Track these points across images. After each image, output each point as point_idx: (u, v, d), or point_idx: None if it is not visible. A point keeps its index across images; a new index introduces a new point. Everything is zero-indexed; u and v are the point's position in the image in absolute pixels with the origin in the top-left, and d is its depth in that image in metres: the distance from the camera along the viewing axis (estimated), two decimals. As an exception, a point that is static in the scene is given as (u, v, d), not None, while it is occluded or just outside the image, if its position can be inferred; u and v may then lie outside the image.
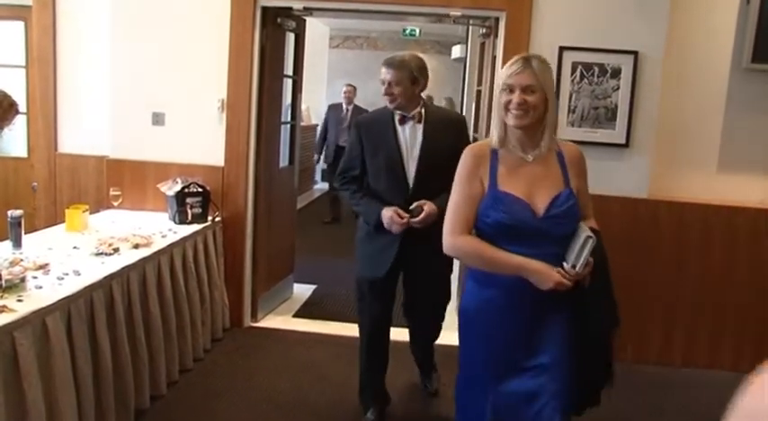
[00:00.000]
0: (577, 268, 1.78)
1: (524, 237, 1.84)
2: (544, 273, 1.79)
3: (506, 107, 1.87)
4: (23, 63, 4.23)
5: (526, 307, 1.87)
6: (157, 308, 2.96)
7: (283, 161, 4.45)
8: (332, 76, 10.45)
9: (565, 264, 1.81)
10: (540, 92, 1.85)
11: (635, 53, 3.53)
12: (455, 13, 3.64)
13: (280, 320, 4.15)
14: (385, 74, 2.67)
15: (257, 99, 3.83)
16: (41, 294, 2.26)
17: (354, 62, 10.56)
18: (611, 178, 3.54)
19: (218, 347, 3.64)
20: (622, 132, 3.59)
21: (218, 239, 3.74)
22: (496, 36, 3.66)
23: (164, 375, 3.03)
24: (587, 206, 2.00)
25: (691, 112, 3.74)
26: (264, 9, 3.75)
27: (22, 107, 3.33)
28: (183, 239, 3.31)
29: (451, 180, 2.71)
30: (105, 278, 2.55)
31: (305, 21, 4.38)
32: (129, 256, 2.84)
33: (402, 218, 2.62)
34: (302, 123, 5.69)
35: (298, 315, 4.28)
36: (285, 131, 4.45)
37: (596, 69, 3.56)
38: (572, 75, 3.55)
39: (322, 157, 7.41)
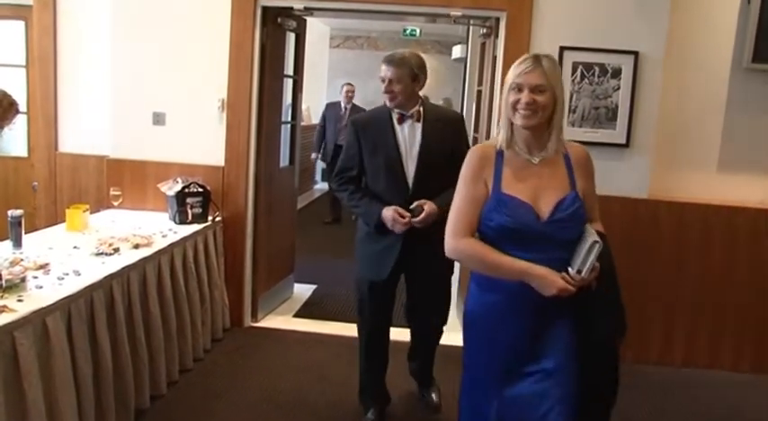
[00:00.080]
0: (583, 273, 1.74)
1: (528, 241, 1.80)
2: (547, 279, 1.75)
3: (514, 106, 1.83)
4: (24, 63, 4.23)
5: (529, 312, 1.84)
6: (158, 308, 2.96)
7: (284, 161, 4.45)
8: (332, 76, 10.45)
9: (570, 269, 1.76)
10: (550, 92, 1.81)
11: (635, 53, 3.53)
12: (455, 13, 3.64)
13: (280, 320, 4.16)
14: (385, 71, 2.64)
15: (258, 99, 3.83)
16: (42, 294, 2.26)
17: (355, 62, 10.57)
18: (612, 178, 3.54)
19: (218, 347, 3.64)
20: (623, 132, 3.59)
21: (218, 239, 3.74)
22: (497, 36, 3.66)
23: (164, 375, 3.03)
24: (594, 209, 1.96)
25: (691, 113, 3.74)
26: (265, 9, 3.75)
27: (23, 107, 3.34)
28: (184, 239, 3.31)
29: (450, 179, 2.71)
30: (105, 278, 2.55)
31: (305, 20, 4.38)
32: (129, 256, 2.84)
33: (403, 217, 2.60)
34: (302, 123, 5.68)
35: (298, 315, 4.28)
36: (285, 131, 4.45)
37: (597, 69, 3.56)
38: (572, 75, 3.55)
39: (320, 155, 7.34)
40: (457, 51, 9.42)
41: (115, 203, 3.67)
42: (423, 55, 2.85)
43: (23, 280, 2.30)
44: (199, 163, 3.82)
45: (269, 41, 3.83)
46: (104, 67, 3.93)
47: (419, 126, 2.68)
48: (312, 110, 9.36)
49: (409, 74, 2.64)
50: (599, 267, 1.76)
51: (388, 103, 2.69)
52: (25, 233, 2.93)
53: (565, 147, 1.91)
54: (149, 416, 2.85)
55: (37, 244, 2.95)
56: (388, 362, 2.94)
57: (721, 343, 3.74)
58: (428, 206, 2.59)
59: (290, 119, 4.57)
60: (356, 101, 7.25)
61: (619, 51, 3.53)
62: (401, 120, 2.69)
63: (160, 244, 3.10)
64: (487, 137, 3.76)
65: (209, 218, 3.67)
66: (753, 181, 3.74)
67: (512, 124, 1.87)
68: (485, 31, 4.00)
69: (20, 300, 2.17)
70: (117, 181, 3.82)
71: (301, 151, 5.02)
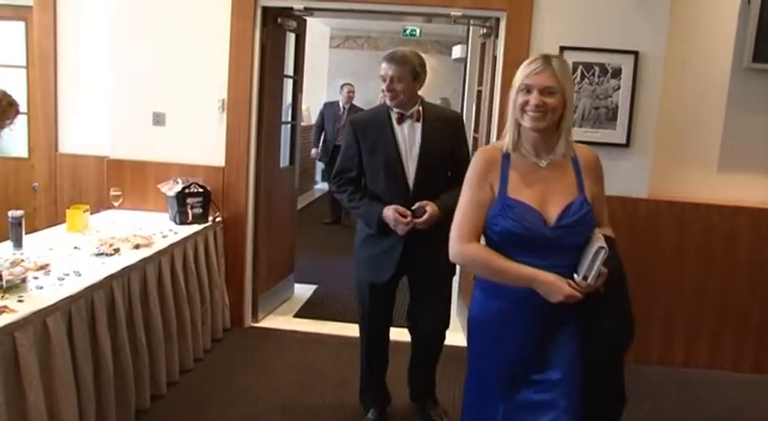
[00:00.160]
0: (589, 280, 1.71)
1: (535, 246, 1.76)
2: (554, 285, 1.71)
3: (523, 108, 1.79)
4: (24, 63, 4.23)
5: (535, 318, 1.80)
6: (158, 308, 2.96)
7: (284, 161, 4.45)
8: (332, 76, 10.45)
9: (576, 275, 1.73)
10: (560, 94, 1.77)
11: (635, 53, 3.52)
12: (456, 13, 3.64)
13: (280, 320, 4.16)
14: (386, 69, 2.61)
15: (258, 99, 3.83)
16: (42, 295, 2.27)
17: (355, 62, 10.56)
18: (612, 178, 3.47)
19: (218, 347, 3.64)
20: (623, 132, 3.59)
21: (218, 239, 3.74)
22: (497, 36, 3.66)
23: (164, 375, 3.03)
24: (603, 213, 1.92)
25: (691, 112, 3.74)
26: (265, 9, 3.75)
27: (23, 107, 3.34)
28: (184, 240, 3.32)
29: (450, 180, 2.71)
30: (106, 278, 2.55)
31: (305, 21, 4.38)
32: (129, 257, 2.84)
33: (405, 216, 2.57)
34: (303, 123, 5.68)
35: (298, 315, 4.28)
36: (286, 131, 4.45)
37: (597, 69, 3.56)
38: (573, 75, 3.55)
39: (319, 151, 7.26)
40: (457, 51, 9.42)
41: (115, 204, 3.67)
42: (423, 55, 2.84)
43: (24, 280, 2.31)
44: (199, 163, 3.82)
45: (269, 41, 3.83)
46: (104, 67, 3.94)
47: (419, 126, 2.66)
48: (312, 110, 9.35)
49: (411, 72, 2.61)
50: (606, 273, 1.73)
51: (388, 102, 2.66)
52: (26, 234, 2.93)
53: (573, 150, 1.86)
54: (150, 416, 2.85)
55: (37, 244, 2.95)
56: (389, 363, 2.94)
57: (721, 343, 3.74)
58: (430, 207, 2.57)
59: (290, 119, 4.57)
60: (357, 101, 7.24)
61: (619, 51, 3.53)
62: (401, 119, 2.66)
63: (160, 244, 3.11)
64: (488, 137, 3.76)
65: (210, 218, 3.67)
66: (753, 180, 3.74)
67: (519, 126, 1.82)
68: (485, 31, 4.00)
69: (20, 301, 2.17)
70: (117, 181, 3.82)
71: (301, 151, 5.02)
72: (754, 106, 3.69)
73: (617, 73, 3.55)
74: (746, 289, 3.68)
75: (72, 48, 4.01)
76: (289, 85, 4.36)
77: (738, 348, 3.73)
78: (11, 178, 4.35)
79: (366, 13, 4.13)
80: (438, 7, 3.65)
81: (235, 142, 3.81)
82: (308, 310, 4.39)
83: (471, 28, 5.38)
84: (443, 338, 2.91)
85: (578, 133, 3.52)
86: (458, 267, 3.09)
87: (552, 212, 1.78)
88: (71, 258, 2.76)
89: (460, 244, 1.84)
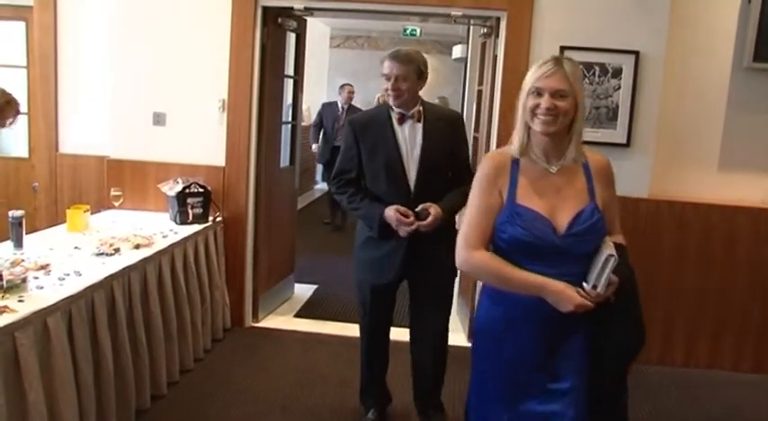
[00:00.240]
0: (599, 288, 1.66)
1: (544, 255, 1.72)
2: (565, 294, 1.67)
3: (533, 112, 1.73)
4: (24, 63, 4.23)
5: (543, 326, 1.76)
6: (158, 308, 2.96)
7: (284, 161, 4.45)
8: (332, 76, 10.45)
9: (585, 284, 1.69)
10: (572, 97, 1.72)
11: (636, 53, 3.53)
12: (456, 12, 3.64)
13: (281, 320, 4.16)
14: (391, 68, 2.55)
15: (258, 99, 3.83)
16: (42, 294, 2.27)
17: (355, 62, 10.58)
18: (612, 178, 3.53)
19: (218, 347, 3.65)
20: (623, 132, 3.59)
21: (218, 239, 3.75)
22: (497, 36, 3.66)
23: (164, 375, 3.03)
24: (614, 221, 1.88)
25: (692, 112, 3.74)
26: (265, 9, 3.75)
27: (24, 107, 3.34)
28: (184, 239, 3.32)
29: (451, 181, 2.70)
30: (106, 278, 2.55)
31: (306, 20, 4.38)
32: (129, 257, 2.84)
33: (407, 217, 2.53)
34: (303, 123, 5.68)
35: (299, 315, 4.29)
36: (286, 131, 4.45)
37: (597, 69, 3.56)
38: (573, 75, 3.55)
39: (320, 146, 7.18)
40: (457, 51, 9.43)
41: (116, 204, 3.67)
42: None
43: (24, 280, 2.31)
44: (199, 163, 3.82)
45: (269, 41, 3.83)
46: (105, 67, 3.94)
47: (420, 126, 2.62)
48: (312, 110, 9.36)
49: (416, 71, 2.58)
50: (617, 282, 1.69)
51: (391, 102, 2.61)
52: (26, 234, 2.94)
53: (584, 156, 1.82)
54: (150, 416, 2.86)
55: (38, 244, 2.95)
56: (389, 363, 2.94)
57: (721, 343, 3.74)
58: (434, 209, 2.53)
59: (290, 119, 4.57)
60: (356, 101, 7.20)
61: (619, 51, 3.53)
62: (401, 120, 2.62)
63: (161, 244, 3.11)
64: (488, 137, 3.76)
65: (210, 218, 3.67)
66: (753, 180, 3.74)
67: (528, 130, 1.78)
68: (485, 30, 4.00)
69: (21, 301, 2.17)
70: (117, 181, 3.83)
71: (302, 151, 5.02)
72: (755, 106, 3.69)
73: (617, 73, 3.55)
74: (746, 289, 3.68)
75: (72, 48, 4.01)
76: (289, 84, 4.36)
77: (738, 348, 3.73)
78: (11, 178, 4.35)
79: (366, 13, 4.13)
80: (438, 7, 3.65)
81: (235, 142, 3.81)
82: (309, 310, 4.39)
83: (472, 28, 5.38)
84: (446, 340, 2.86)
85: (578, 133, 3.53)
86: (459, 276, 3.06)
87: (562, 220, 1.74)
88: (71, 258, 2.76)
89: (467, 251, 1.79)
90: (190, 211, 3.58)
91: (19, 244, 2.84)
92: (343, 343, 3.75)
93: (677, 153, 3.77)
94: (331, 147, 6.84)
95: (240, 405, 3.02)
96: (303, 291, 4.74)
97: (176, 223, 3.56)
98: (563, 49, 3.52)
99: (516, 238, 1.73)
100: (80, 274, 2.52)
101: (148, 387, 2.87)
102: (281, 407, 3.03)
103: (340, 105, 7.06)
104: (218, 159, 3.83)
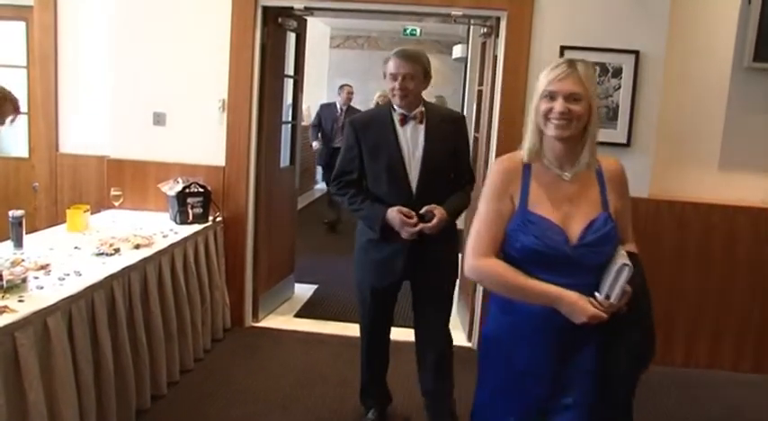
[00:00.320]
0: (612, 299, 1.61)
1: (556, 264, 1.66)
2: (578, 305, 1.62)
3: (546, 116, 1.67)
4: (25, 63, 4.23)
5: (554, 336, 1.71)
6: (158, 308, 2.96)
7: (284, 161, 4.45)
8: (332, 76, 10.46)
9: (597, 294, 1.63)
10: (586, 100, 1.67)
11: (636, 53, 3.52)
12: (456, 12, 3.64)
13: (281, 320, 4.16)
14: (398, 67, 2.50)
15: (258, 99, 3.83)
16: (42, 294, 2.27)
17: (355, 62, 10.58)
18: (612, 178, 3.53)
19: (218, 347, 3.65)
20: (624, 132, 3.59)
21: (218, 239, 3.75)
22: (497, 36, 3.66)
23: (164, 375, 3.03)
24: (627, 229, 1.83)
25: (692, 112, 3.74)
26: (265, 9, 3.75)
27: (24, 107, 3.34)
28: (184, 239, 3.32)
29: (453, 182, 2.70)
30: (106, 278, 2.55)
31: (306, 20, 4.38)
32: (129, 257, 2.84)
33: (410, 217, 2.50)
34: (303, 123, 5.68)
35: (299, 315, 4.29)
36: (286, 131, 4.45)
37: (597, 69, 3.55)
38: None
39: (320, 143, 7.08)
40: (457, 51, 9.43)
41: (116, 204, 3.67)
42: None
43: (24, 280, 2.31)
44: (199, 163, 3.82)
45: (269, 41, 3.83)
46: (105, 67, 3.94)
47: (422, 127, 2.59)
48: (312, 110, 9.36)
49: (422, 70, 2.54)
50: (630, 292, 1.64)
51: (397, 102, 2.56)
52: (26, 233, 2.93)
53: (598, 162, 1.76)
54: (150, 416, 2.86)
55: (38, 244, 2.95)
56: (389, 363, 2.93)
57: (721, 343, 3.74)
58: (438, 212, 2.49)
59: (290, 119, 4.57)
60: (356, 101, 7.14)
61: (619, 51, 3.53)
62: (403, 121, 2.58)
63: (161, 244, 3.11)
64: (488, 136, 3.76)
65: (210, 218, 3.67)
66: (754, 180, 3.74)
67: (541, 134, 1.72)
68: (485, 30, 4.00)
69: (21, 301, 2.17)
70: (117, 181, 3.82)
71: (302, 151, 5.02)
72: (755, 106, 3.69)
73: (618, 72, 3.55)
74: (746, 289, 3.68)
75: (72, 48, 4.01)
76: (289, 84, 4.36)
77: (738, 348, 3.73)
78: (11, 178, 4.36)
79: (366, 13, 4.13)
80: (438, 7, 3.65)
81: (235, 142, 3.81)
82: (309, 310, 4.39)
83: (472, 27, 5.38)
84: (451, 340, 2.81)
85: (579, 133, 3.53)
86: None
87: (575, 229, 1.69)
88: (71, 258, 2.76)
89: (476, 258, 1.73)
90: (190, 211, 3.58)
91: (19, 244, 2.84)
92: (343, 343, 3.75)
93: (677, 153, 3.77)
94: (330, 148, 6.75)
95: (240, 405, 3.02)
96: (303, 290, 4.74)
97: (176, 223, 3.56)
98: (563, 48, 3.52)
99: (529, 248, 1.67)
100: (80, 274, 2.52)
101: (148, 387, 2.87)
102: (281, 407, 3.03)
103: (339, 106, 6.98)
104: (218, 159, 3.83)
